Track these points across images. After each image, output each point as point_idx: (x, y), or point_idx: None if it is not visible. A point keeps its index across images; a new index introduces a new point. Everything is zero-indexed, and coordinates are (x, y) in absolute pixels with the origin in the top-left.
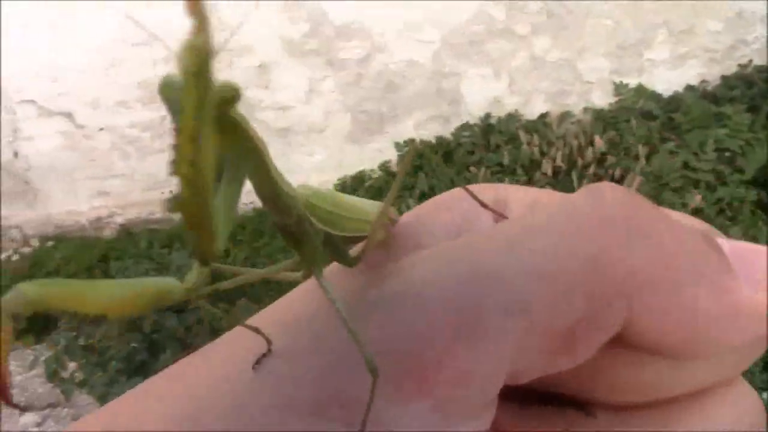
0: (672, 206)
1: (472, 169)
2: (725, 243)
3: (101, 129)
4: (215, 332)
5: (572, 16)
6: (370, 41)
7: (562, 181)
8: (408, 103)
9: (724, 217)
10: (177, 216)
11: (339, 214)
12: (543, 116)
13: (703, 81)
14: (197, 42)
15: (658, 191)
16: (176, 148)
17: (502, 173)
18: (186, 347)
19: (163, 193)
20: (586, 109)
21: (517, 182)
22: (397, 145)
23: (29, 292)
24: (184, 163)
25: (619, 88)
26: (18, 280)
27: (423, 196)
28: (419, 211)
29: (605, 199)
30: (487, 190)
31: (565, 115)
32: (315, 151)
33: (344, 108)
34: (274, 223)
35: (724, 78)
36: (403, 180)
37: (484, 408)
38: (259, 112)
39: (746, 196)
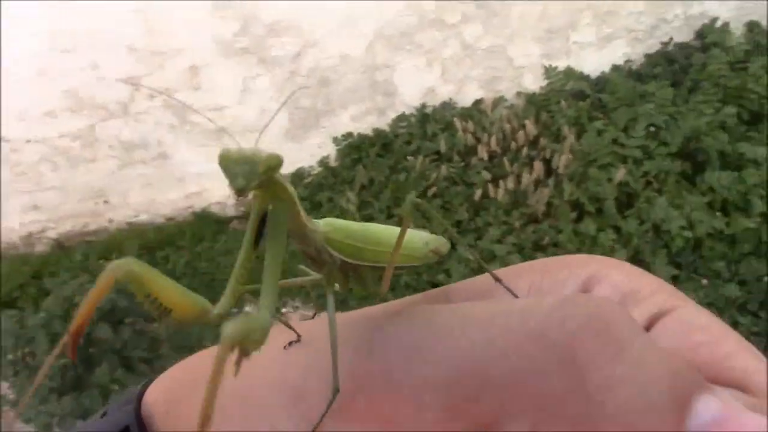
0: (598, 182)
1: (409, 158)
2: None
3: (28, 141)
4: (155, 342)
5: (500, 3)
6: (301, 38)
7: (497, 164)
8: (343, 98)
9: (651, 189)
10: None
11: (355, 245)
12: (477, 103)
13: (628, 60)
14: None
15: (585, 168)
16: None
17: (439, 161)
18: (124, 360)
19: (97, 203)
20: (518, 94)
21: (454, 169)
22: (335, 140)
23: (135, 266)
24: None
25: (548, 72)
26: None
27: (363, 189)
28: (514, 270)
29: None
30: (587, 264)
31: (498, 101)
32: None
33: (278, 105)
34: (299, 251)
35: (647, 56)
36: (404, 234)
37: None
38: (193, 115)
39: (671, 168)
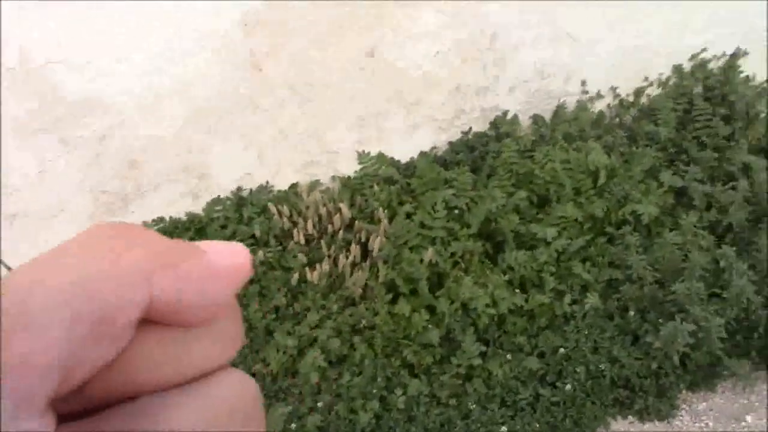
0: (410, 263)
1: None
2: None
3: None
4: None
5: (314, 90)
6: (108, 117)
7: (314, 248)
8: (154, 181)
9: (458, 269)
10: None
11: None
12: (293, 186)
13: (434, 147)
14: None
15: (399, 250)
16: None
17: (256, 245)
18: None
19: None
20: (333, 178)
21: (271, 253)
22: (146, 225)
23: None
24: None
25: (362, 157)
26: None
27: None
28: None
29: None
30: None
31: (314, 185)
32: (50, 238)
33: (82, 188)
34: None
35: (450, 144)
36: None
37: (47, 405)
38: None
39: (474, 248)
